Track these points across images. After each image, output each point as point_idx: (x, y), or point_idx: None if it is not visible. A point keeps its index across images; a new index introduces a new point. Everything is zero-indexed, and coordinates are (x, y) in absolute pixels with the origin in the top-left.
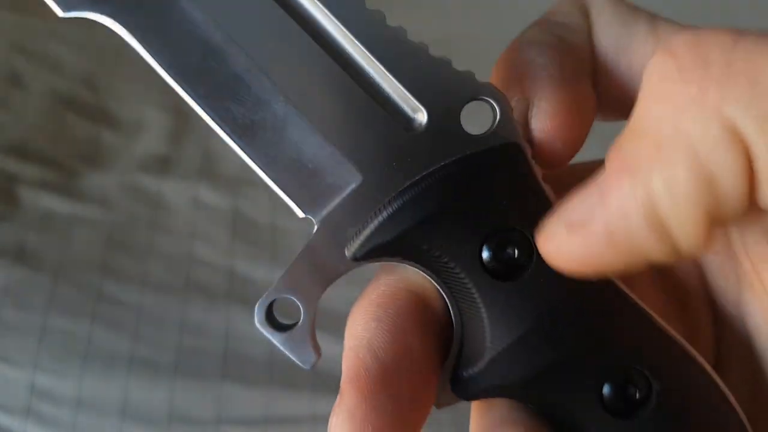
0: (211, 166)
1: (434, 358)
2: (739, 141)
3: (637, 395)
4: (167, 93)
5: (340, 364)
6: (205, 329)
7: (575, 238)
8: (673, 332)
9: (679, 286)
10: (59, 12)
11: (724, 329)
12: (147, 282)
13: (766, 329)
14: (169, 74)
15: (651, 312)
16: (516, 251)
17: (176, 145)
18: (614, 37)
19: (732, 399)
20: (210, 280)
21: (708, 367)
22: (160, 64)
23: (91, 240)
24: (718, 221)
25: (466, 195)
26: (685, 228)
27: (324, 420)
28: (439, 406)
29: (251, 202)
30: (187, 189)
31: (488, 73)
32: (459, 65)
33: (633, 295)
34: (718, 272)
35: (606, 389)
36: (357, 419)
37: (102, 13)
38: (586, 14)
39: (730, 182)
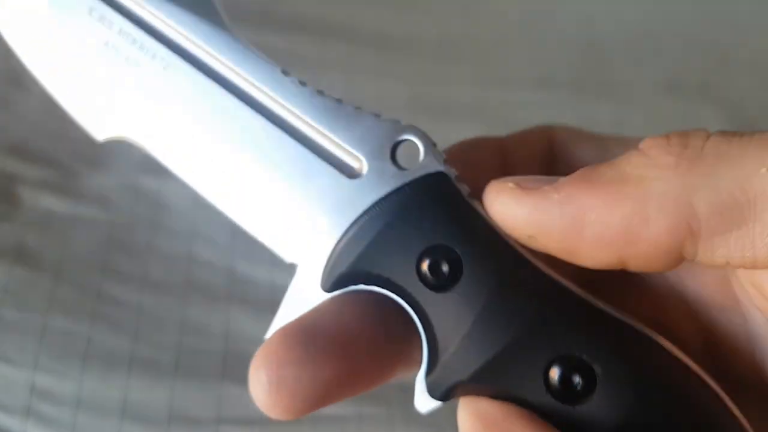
0: None
1: (364, 347)
2: (687, 208)
3: (581, 381)
4: None
5: None
6: (205, 329)
7: (515, 193)
8: (617, 314)
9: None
10: (97, 137)
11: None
12: (147, 282)
13: None
14: (174, 170)
15: (589, 297)
16: (447, 265)
17: None
18: (571, 136)
19: (702, 373)
20: (210, 280)
21: (667, 343)
22: (168, 166)
23: (91, 240)
24: (624, 259)
25: (398, 221)
26: (592, 251)
27: (324, 421)
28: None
29: None
30: (187, 189)
31: (488, 73)
32: (459, 65)
33: (568, 283)
34: (727, 326)
35: (551, 377)
36: (270, 350)
37: (131, 135)
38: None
39: (654, 234)
